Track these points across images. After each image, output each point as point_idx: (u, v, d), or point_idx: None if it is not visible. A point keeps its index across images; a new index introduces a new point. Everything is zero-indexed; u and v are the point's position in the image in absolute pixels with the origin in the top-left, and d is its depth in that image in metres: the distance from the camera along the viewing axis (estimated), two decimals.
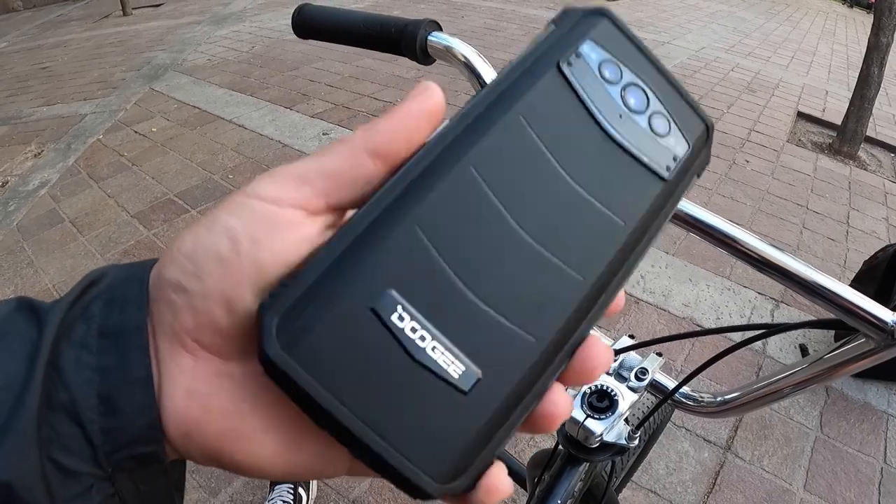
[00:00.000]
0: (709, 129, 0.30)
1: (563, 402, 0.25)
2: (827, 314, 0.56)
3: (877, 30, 4.43)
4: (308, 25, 0.78)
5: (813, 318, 0.59)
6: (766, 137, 4.81)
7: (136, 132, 4.30)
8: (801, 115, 5.58)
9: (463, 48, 0.69)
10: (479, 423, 0.23)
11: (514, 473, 1.25)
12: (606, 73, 0.28)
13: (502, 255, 0.24)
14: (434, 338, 0.23)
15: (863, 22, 11.89)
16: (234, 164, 3.80)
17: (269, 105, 4.76)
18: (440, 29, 0.71)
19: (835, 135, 4.90)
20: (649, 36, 7.77)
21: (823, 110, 5.80)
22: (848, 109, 4.71)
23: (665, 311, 2.67)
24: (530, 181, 0.25)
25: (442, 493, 0.23)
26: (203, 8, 8.60)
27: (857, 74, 4.66)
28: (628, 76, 0.28)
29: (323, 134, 4.23)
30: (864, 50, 4.60)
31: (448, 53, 0.70)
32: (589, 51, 0.27)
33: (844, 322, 0.54)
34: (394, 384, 0.22)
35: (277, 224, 0.24)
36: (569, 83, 0.27)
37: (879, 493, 1.97)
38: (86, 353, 0.24)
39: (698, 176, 0.30)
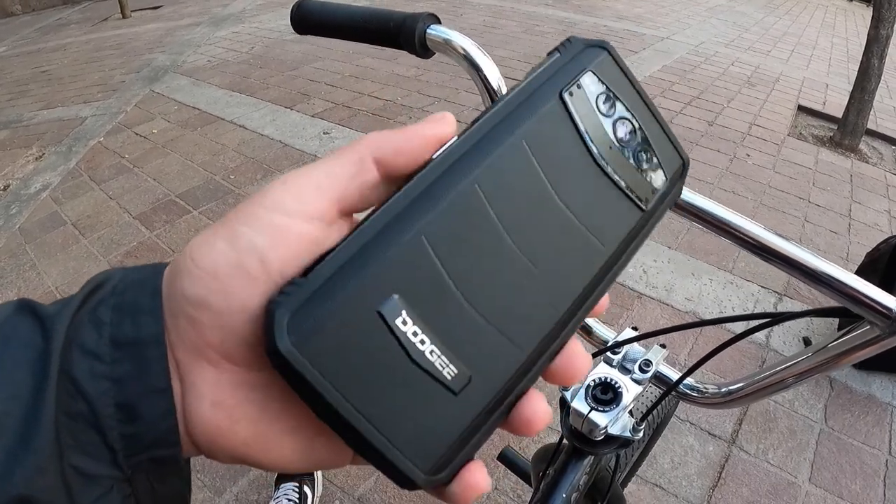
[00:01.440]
0: (685, 165, 0.33)
1: (541, 411, 0.27)
2: (831, 303, 0.56)
3: (877, 22, 4.43)
4: (307, 21, 0.77)
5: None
6: (767, 131, 4.80)
7: (136, 134, 4.30)
8: (801, 108, 5.58)
9: (462, 41, 0.69)
10: (465, 422, 0.25)
11: (519, 470, 1.25)
12: (602, 106, 0.30)
13: (497, 270, 0.26)
14: (432, 342, 0.24)
15: (862, 15, 11.86)
16: (236, 164, 3.80)
17: (269, 105, 4.77)
18: (439, 22, 0.71)
19: (836, 128, 4.90)
20: (649, 31, 7.77)
21: (824, 103, 5.79)
22: (848, 102, 4.71)
23: (668, 305, 2.67)
24: (527, 202, 0.27)
25: (428, 483, 0.25)
26: (202, 9, 8.60)
27: (857, 67, 4.66)
28: (621, 110, 0.31)
29: (324, 133, 4.23)
30: (863, 42, 4.61)
31: (447, 46, 0.69)
32: (589, 82, 0.30)
33: (849, 310, 0.54)
34: (393, 383, 0.24)
35: (302, 240, 0.25)
36: (568, 112, 0.29)
37: (885, 485, 1.97)
38: (99, 364, 0.24)
39: (671, 208, 0.33)
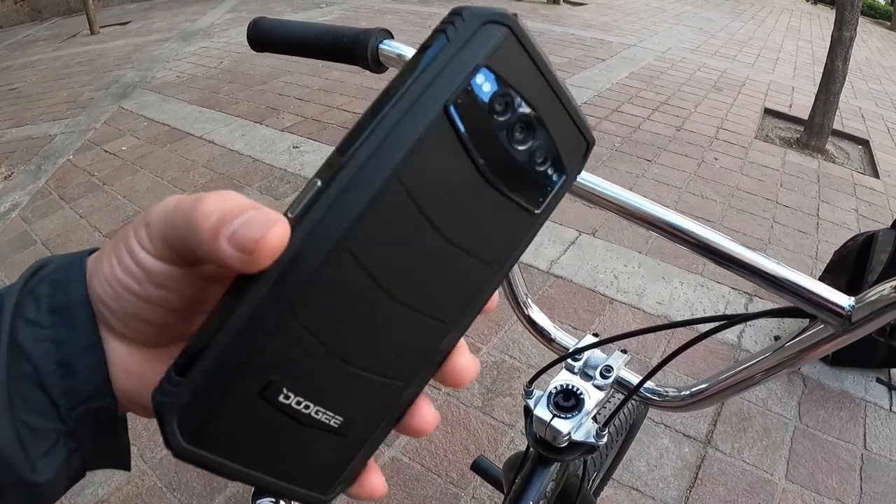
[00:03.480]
0: (588, 145, 0.30)
1: (429, 418, 0.31)
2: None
3: (839, 24, 4.52)
4: (263, 38, 0.78)
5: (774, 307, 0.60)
6: (735, 135, 4.88)
7: (106, 151, 4.26)
8: (768, 111, 5.67)
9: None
10: (354, 449, 0.29)
11: (491, 478, 1.25)
12: (497, 108, 0.26)
13: (373, 325, 0.26)
14: (315, 403, 0.26)
15: (827, 18, 12.09)
16: (206, 180, 3.78)
17: (238, 120, 4.75)
18: (391, 37, 0.72)
19: (802, 129, 4.98)
20: (616, 39, 7.85)
21: (790, 106, 5.89)
22: (814, 104, 4.79)
23: (639, 309, 2.69)
24: (406, 251, 0.26)
25: (332, 498, 0.30)
26: (171, 25, 8.55)
27: (822, 69, 4.74)
28: (519, 105, 0.26)
29: (293, 147, 4.22)
30: (828, 45, 4.68)
31: (400, 61, 0.70)
32: (482, 82, 0.25)
33: (802, 309, 0.54)
34: (287, 443, 0.27)
35: (167, 275, 0.28)
36: (454, 128, 0.25)
37: (861, 479, 2.00)
38: (39, 329, 0.27)
39: (567, 191, 0.30)
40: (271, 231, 0.23)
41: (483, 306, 0.29)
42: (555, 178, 0.28)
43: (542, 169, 0.28)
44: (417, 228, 0.25)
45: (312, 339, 0.25)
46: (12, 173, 4.01)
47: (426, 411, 0.30)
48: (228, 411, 0.24)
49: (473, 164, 0.26)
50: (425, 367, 0.29)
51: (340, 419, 0.27)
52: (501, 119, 0.26)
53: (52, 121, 4.92)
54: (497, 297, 0.31)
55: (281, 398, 0.25)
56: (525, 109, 0.26)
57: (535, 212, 0.28)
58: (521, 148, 0.27)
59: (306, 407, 0.26)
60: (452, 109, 0.24)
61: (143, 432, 2.05)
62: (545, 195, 0.28)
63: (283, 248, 0.23)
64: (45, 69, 6.64)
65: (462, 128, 0.25)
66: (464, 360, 0.30)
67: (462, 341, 0.30)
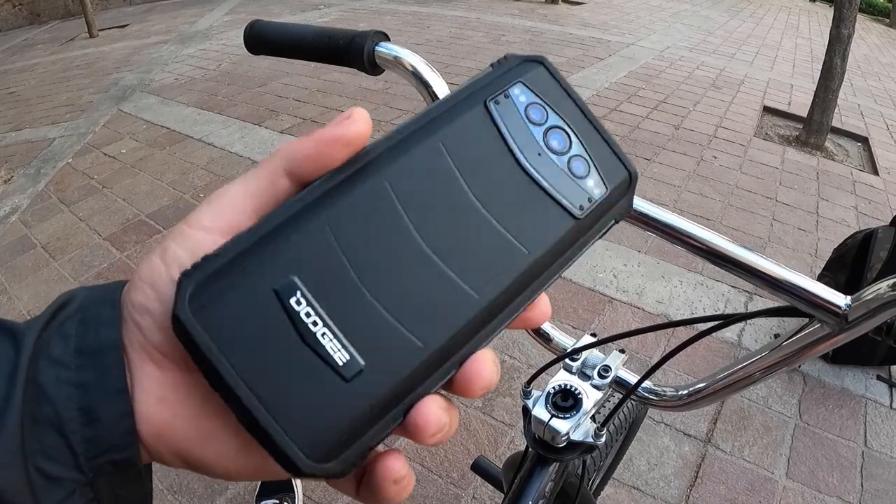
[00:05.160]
0: (631, 177, 0.31)
1: (433, 419, 0.26)
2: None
3: (838, 22, 4.51)
4: (259, 41, 0.78)
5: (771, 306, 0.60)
6: (734, 133, 4.87)
7: (105, 154, 4.26)
8: (767, 109, 5.66)
9: (411, 58, 0.69)
10: (356, 412, 0.25)
11: (491, 478, 1.25)
12: (532, 115, 0.30)
13: (402, 265, 0.26)
14: (325, 325, 0.25)
15: (825, 15, 12.08)
16: (205, 182, 3.78)
17: (237, 122, 4.74)
18: (388, 39, 0.72)
19: (801, 127, 4.98)
20: (614, 38, 7.85)
21: (789, 104, 5.89)
22: (813, 101, 4.79)
23: (639, 308, 2.69)
24: (441, 202, 0.27)
25: (314, 471, 0.24)
26: (169, 27, 8.54)
27: (820, 67, 4.74)
28: (554, 119, 0.30)
29: None
30: (826, 43, 4.67)
31: (396, 63, 0.70)
32: (518, 93, 0.30)
33: (798, 309, 0.55)
34: (283, 360, 0.25)
35: None
36: (492, 119, 0.29)
37: (862, 477, 2.00)
38: (65, 370, 0.26)
39: (617, 221, 0.31)
40: (356, 108, 0.28)
41: (520, 307, 0.29)
42: (596, 191, 0.30)
43: (580, 178, 0.30)
44: (456, 189, 0.28)
45: (340, 255, 0.26)
46: (12, 177, 4.01)
47: (429, 406, 0.27)
48: (239, 296, 0.25)
49: (510, 153, 0.29)
50: (447, 352, 0.27)
51: (347, 356, 0.25)
52: (536, 125, 0.30)
53: (51, 124, 4.92)
54: (549, 309, 0.31)
55: (293, 301, 0.25)
56: (559, 122, 0.31)
57: (578, 216, 0.30)
58: (556, 154, 0.30)
59: (314, 323, 0.25)
60: (492, 105, 0.29)
61: None
62: (586, 204, 0.30)
63: (364, 128, 0.27)
64: (44, 73, 6.64)
65: (500, 121, 0.29)
66: (488, 368, 0.28)
67: (491, 353, 0.28)
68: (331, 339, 0.25)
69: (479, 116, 0.29)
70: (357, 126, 0.27)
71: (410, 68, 0.69)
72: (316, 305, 0.25)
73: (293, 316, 0.25)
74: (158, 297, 0.27)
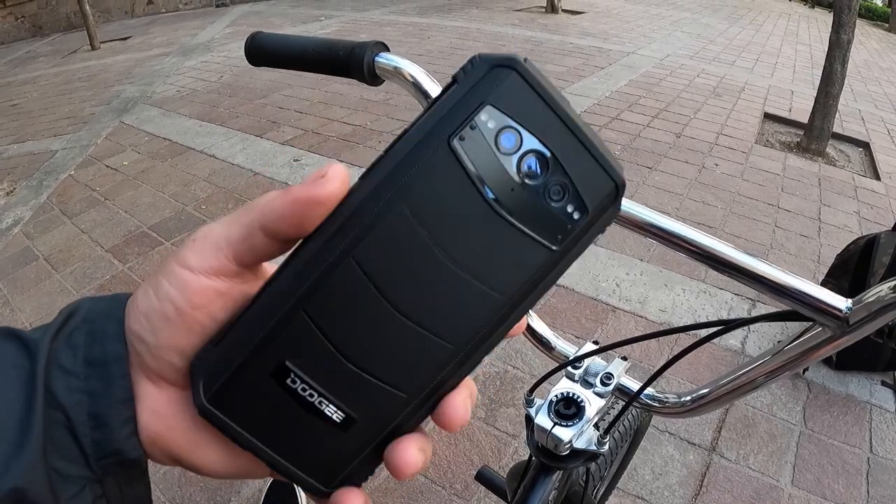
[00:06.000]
0: (618, 188, 0.29)
1: (412, 461, 0.31)
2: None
3: (837, 27, 4.52)
4: (260, 53, 0.78)
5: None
6: (735, 140, 4.88)
7: (107, 166, 4.27)
8: (768, 115, 5.67)
9: (411, 68, 0.69)
10: (355, 452, 0.31)
11: (496, 488, 1.25)
12: (503, 143, 0.28)
13: (378, 332, 0.29)
14: (320, 395, 0.29)
15: (825, 21, 12.11)
16: (207, 194, 3.79)
17: (239, 134, 4.76)
18: (387, 50, 0.72)
19: (802, 133, 4.98)
20: (615, 47, 7.87)
21: (790, 110, 5.89)
22: (814, 107, 4.79)
23: (642, 317, 2.69)
24: (409, 267, 0.28)
25: (333, 491, 0.31)
26: (171, 39, 8.59)
27: (821, 73, 4.74)
28: (529, 142, 0.28)
29: (294, 160, 4.24)
30: (826, 48, 4.68)
31: (396, 74, 0.70)
32: (486, 118, 0.27)
33: (799, 313, 0.54)
34: (292, 425, 0.30)
35: (207, 292, 0.30)
36: (458, 160, 0.27)
37: (868, 483, 1.99)
38: (74, 379, 0.29)
39: (601, 233, 0.30)
40: (333, 165, 0.29)
41: (497, 342, 0.30)
42: (575, 215, 0.28)
43: (558, 205, 0.28)
44: (424, 248, 0.28)
45: (319, 336, 0.28)
46: (14, 189, 4.03)
47: (411, 452, 0.31)
48: (245, 383, 0.29)
49: (481, 195, 0.28)
50: (426, 386, 0.30)
51: (342, 415, 0.30)
52: (508, 154, 0.28)
53: (53, 136, 4.94)
54: (525, 323, 0.33)
55: (289, 382, 0.29)
56: (534, 145, 0.28)
57: (554, 248, 0.29)
58: (532, 183, 0.28)
59: (311, 395, 0.29)
60: (456, 143, 0.27)
61: None
62: (564, 232, 0.29)
63: (338, 187, 0.28)
64: (47, 85, 6.68)
65: (467, 160, 0.27)
66: (460, 406, 0.31)
67: (471, 385, 0.32)
68: (327, 405, 0.29)
69: (443, 160, 0.27)
70: (331, 186, 0.28)
71: (410, 79, 0.69)
72: (309, 381, 0.29)
73: (292, 393, 0.29)
74: (152, 330, 0.30)
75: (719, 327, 0.62)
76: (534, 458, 0.77)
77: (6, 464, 0.26)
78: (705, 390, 0.69)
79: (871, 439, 2.15)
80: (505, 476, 1.16)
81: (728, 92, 6.26)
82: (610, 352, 0.73)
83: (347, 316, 0.28)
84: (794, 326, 0.57)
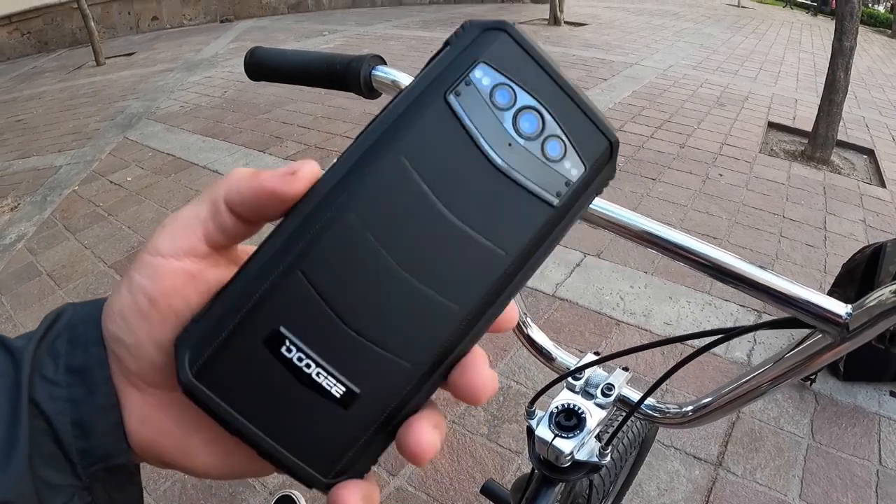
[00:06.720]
0: (612, 146, 0.29)
1: (428, 440, 0.28)
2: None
3: (840, 34, 4.53)
4: (259, 68, 0.78)
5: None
6: (739, 150, 4.87)
7: (111, 182, 4.29)
8: (771, 124, 5.67)
9: (408, 81, 0.69)
10: (359, 433, 0.28)
11: (501, 501, 1.24)
12: (498, 99, 0.28)
13: (380, 293, 0.27)
14: (318, 364, 0.27)
15: (828, 29, 12.11)
16: None
17: (242, 149, 4.79)
18: (384, 63, 0.72)
19: (806, 142, 4.98)
20: (618, 58, 7.89)
21: (794, 118, 5.89)
22: (817, 115, 4.79)
23: (647, 330, 2.68)
24: (411, 222, 0.27)
25: (332, 484, 0.28)
26: (175, 55, 8.65)
27: (824, 80, 4.75)
28: (523, 99, 0.28)
29: None
30: (829, 56, 4.69)
31: (394, 87, 0.70)
32: (481, 75, 0.28)
33: (799, 320, 0.54)
34: (287, 402, 0.27)
35: (178, 275, 0.28)
36: (455, 115, 0.27)
37: (877, 496, 1.97)
38: (57, 388, 0.28)
39: (598, 193, 0.30)
40: (306, 164, 0.28)
41: (504, 305, 0.29)
42: (573, 171, 0.28)
43: (555, 161, 0.28)
44: (423, 202, 0.27)
45: (317, 297, 0.26)
46: (18, 204, 4.05)
47: (425, 433, 0.28)
48: (235, 353, 0.26)
49: (479, 149, 0.27)
50: (433, 354, 0.28)
51: (342, 389, 0.27)
52: (503, 110, 0.28)
53: (57, 152, 4.98)
54: (515, 315, 0.30)
55: (283, 350, 0.26)
56: (529, 101, 0.28)
57: (555, 204, 0.28)
58: (527, 138, 0.28)
59: (307, 366, 0.26)
60: (453, 98, 0.27)
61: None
62: (564, 188, 0.28)
63: (315, 172, 0.27)
64: (51, 100, 6.73)
65: (464, 115, 0.27)
66: (482, 372, 0.28)
67: (480, 352, 0.29)
68: (326, 377, 0.27)
69: (440, 114, 0.27)
70: (297, 185, 0.27)
71: None
72: (305, 349, 0.26)
73: (287, 363, 0.26)
74: (129, 329, 0.28)
75: (720, 335, 0.61)
76: (536, 471, 0.77)
77: None
78: (707, 400, 0.68)
79: (880, 451, 2.12)
80: (510, 489, 1.15)
81: (731, 101, 6.27)
82: (611, 363, 0.72)
83: (349, 276, 0.26)
84: (799, 334, 0.57)
